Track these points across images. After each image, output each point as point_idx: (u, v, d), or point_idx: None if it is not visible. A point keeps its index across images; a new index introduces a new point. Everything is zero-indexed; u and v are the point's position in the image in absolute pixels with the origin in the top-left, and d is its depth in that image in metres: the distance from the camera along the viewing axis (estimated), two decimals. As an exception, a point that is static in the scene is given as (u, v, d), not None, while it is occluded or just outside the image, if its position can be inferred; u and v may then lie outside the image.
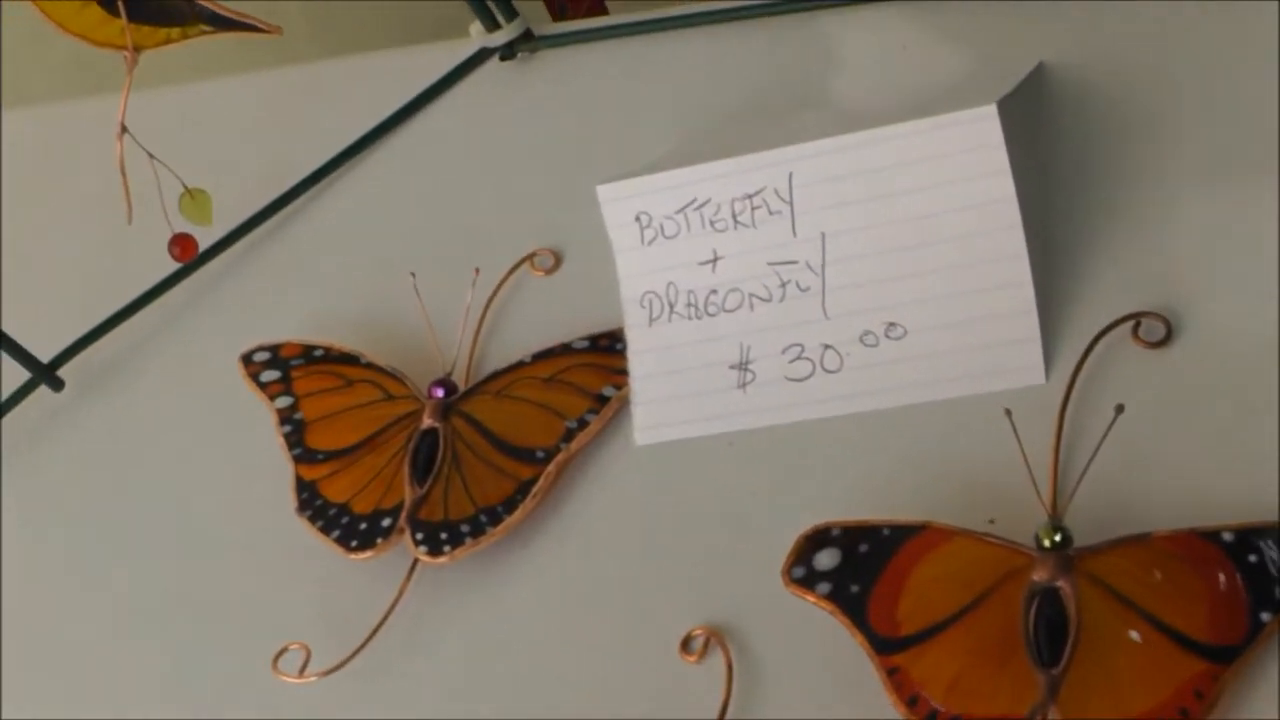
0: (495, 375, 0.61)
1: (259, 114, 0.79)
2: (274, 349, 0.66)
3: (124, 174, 0.63)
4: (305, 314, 0.70)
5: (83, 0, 0.63)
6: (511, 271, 0.65)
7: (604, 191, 0.60)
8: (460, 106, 0.74)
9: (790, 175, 0.56)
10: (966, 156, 0.53)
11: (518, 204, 0.69)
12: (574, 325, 0.62)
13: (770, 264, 0.57)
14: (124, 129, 0.64)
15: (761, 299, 0.57)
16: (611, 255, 0.60)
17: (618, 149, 0.67)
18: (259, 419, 0.64)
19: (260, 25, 0.64)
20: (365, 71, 0.79)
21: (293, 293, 0.72)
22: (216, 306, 0.73)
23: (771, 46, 0.67)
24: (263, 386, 0.64)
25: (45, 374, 0.73)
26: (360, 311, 0.68)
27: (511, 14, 0.72)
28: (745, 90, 0.66)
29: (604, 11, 1.03)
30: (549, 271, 0.65)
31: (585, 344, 0.61)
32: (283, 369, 0.65)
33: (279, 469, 0.62)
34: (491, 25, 0.73)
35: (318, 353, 0.65)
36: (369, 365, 0.64)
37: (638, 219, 0.59)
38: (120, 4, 0.63)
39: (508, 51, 0.73)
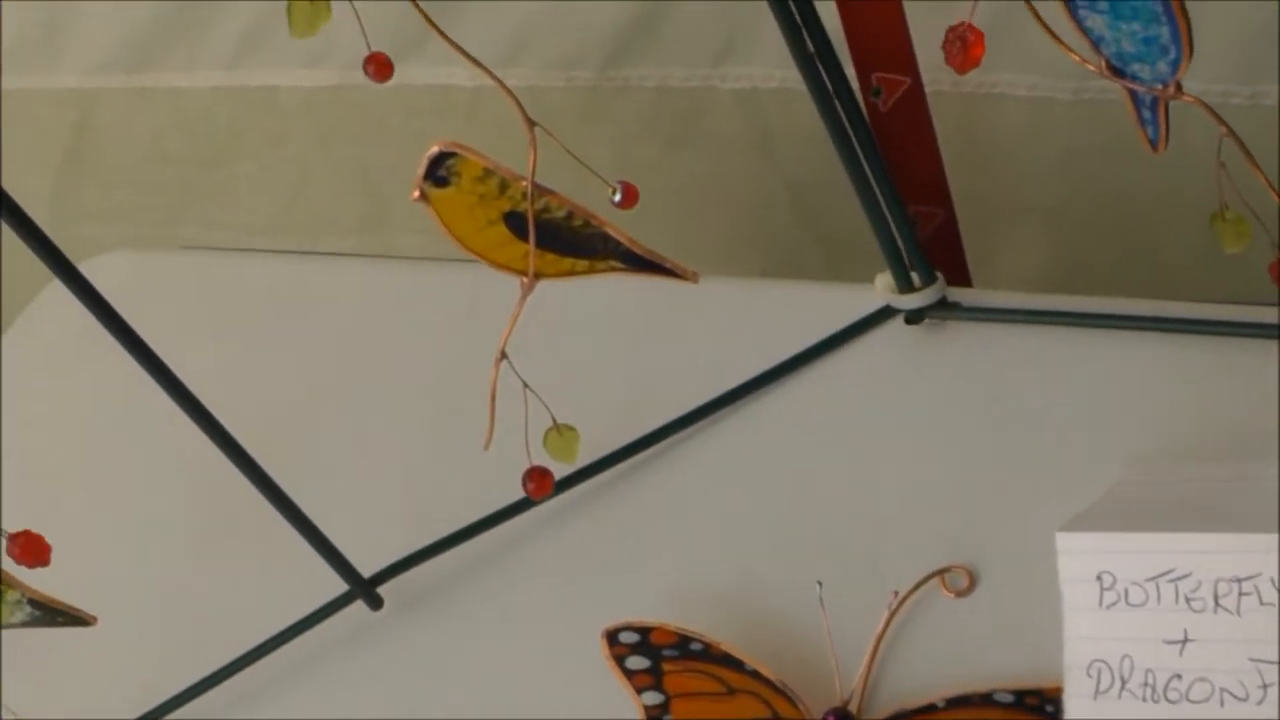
0: (903, 717, 0.55)
1: (626, 336, 0.74)
2: (644, 632, 0.60)
3: (493, 401, 0.59)
4: (664, 582, 0.64)
5: (490, 220, 0.58)
6: (918, 587, 0.59)
7: (1064, 540, 0.53)
8: (854, 365, 0.68)
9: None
10: None
11: (922, 498, 0.62)
12: (987, 663, 0.56)
13: (1252, 660, 0.50)
14: (503, 355, 0.59)
15: (1236, 697, 0.50)
16: (1042, 591, 0.54)
17: (1042, 453, 0.61)
18: (596, 680, 0.59)
19: (677, 270, 0.60)
20: (745, 300, 0.73)
21: (647, 550, 0.66)
22: (556, 546, 0.68)
23: (1262, 366, 0.59)
24: (629, 675, 0.59)
25: (365, 589, 0.68)
26: (729, 592, 0.62)
27: (929, 277, 0.66)
28: (1216, 418, 0.59)
29: (956, 236, 0.96)
30: (961, 593, 0.59)
31: (1010, 698, 0.54)
32: (653, 658, 0.59)
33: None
34: (905, 285, 0.66)
35: (695, 646, 0.59)
36: (755, 674, 0.57)
37: (1099, 578, 0.52)
38: (531, 230, 0.58)
39: (915, 316, 0.67)
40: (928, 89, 0.92)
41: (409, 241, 1.26)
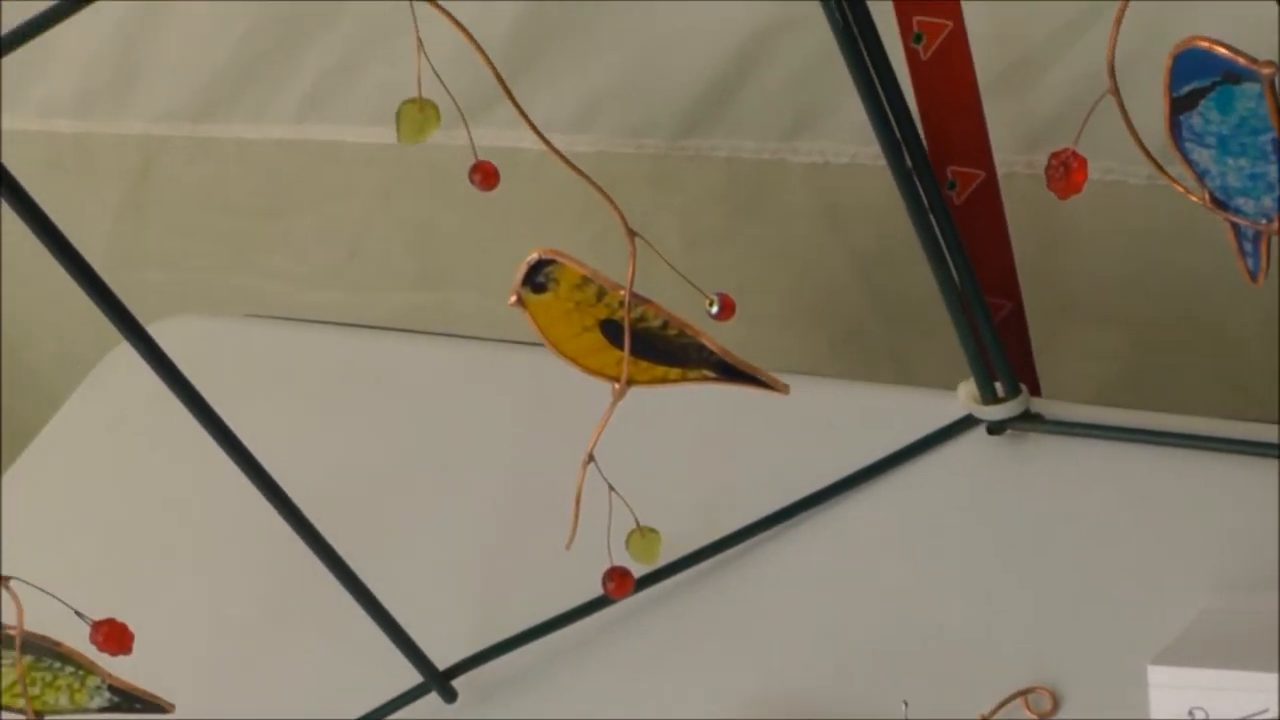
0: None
1: (705, 435, 0.74)
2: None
3: (578, 504, 0.59)
4: (740, 685, 0.64)
5: (585, 326, 0.59)
6: (1001, 706, 0.59)
7: (1156, 674, 0.53)
8: (934, 473, 0.68)
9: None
10: None
11: (1004, 613, 0.62)
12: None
13: (1347, 805, 0.50)
14: (591, 458, 0.59)
15: (1330, 843, 0.50)
16: (1127, 716, 0.54)
17: (1126, 573, 0.61)
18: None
19: (769, 382, 0.60)
20: (827, 402, 0.73)
21: (724, 652, 0.66)
22: (633, 643, 0.68)
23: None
24: (707, 782, 0.58)
25: (440, 682, 0.68)
26: (806, 699, 0.62)
27: (1013, 388, 0.66)
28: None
29: (1023, 327, 0.96)
30: (1044, 715, 0.58)
31: (1096, 829, 0.54)
32: (732, 766, 0.59)
33: None
34: (989, 396, 0.66)
35: (778, 758, 0.58)
36: (835, 790, 0.57)
37: (1191, 714, 0.52)
38: (626, 339, 0.58)
39: (998, 427, 0.67)
40: (1000, 169, 0.92)
41: (466, 298, 1.27)
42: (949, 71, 0.84)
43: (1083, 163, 0.55)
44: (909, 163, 0.58)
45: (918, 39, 0.83)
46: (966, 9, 0.83)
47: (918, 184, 0.59)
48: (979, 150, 0.87)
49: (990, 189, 0.88)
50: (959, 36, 0.83)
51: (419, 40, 0.54)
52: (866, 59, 0.55)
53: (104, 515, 0.83)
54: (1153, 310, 1.00)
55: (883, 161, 1.01)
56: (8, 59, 1.28)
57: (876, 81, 0.56)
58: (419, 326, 1.28)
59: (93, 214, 1.35)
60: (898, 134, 0.58)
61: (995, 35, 0.89)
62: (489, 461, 0.77)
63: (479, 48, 0.54)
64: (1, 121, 1.31)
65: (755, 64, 0.99)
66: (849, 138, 1.00)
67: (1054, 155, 0.55)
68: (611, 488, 0.58)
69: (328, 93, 1.17)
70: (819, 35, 0.96)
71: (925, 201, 0.60)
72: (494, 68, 0.56)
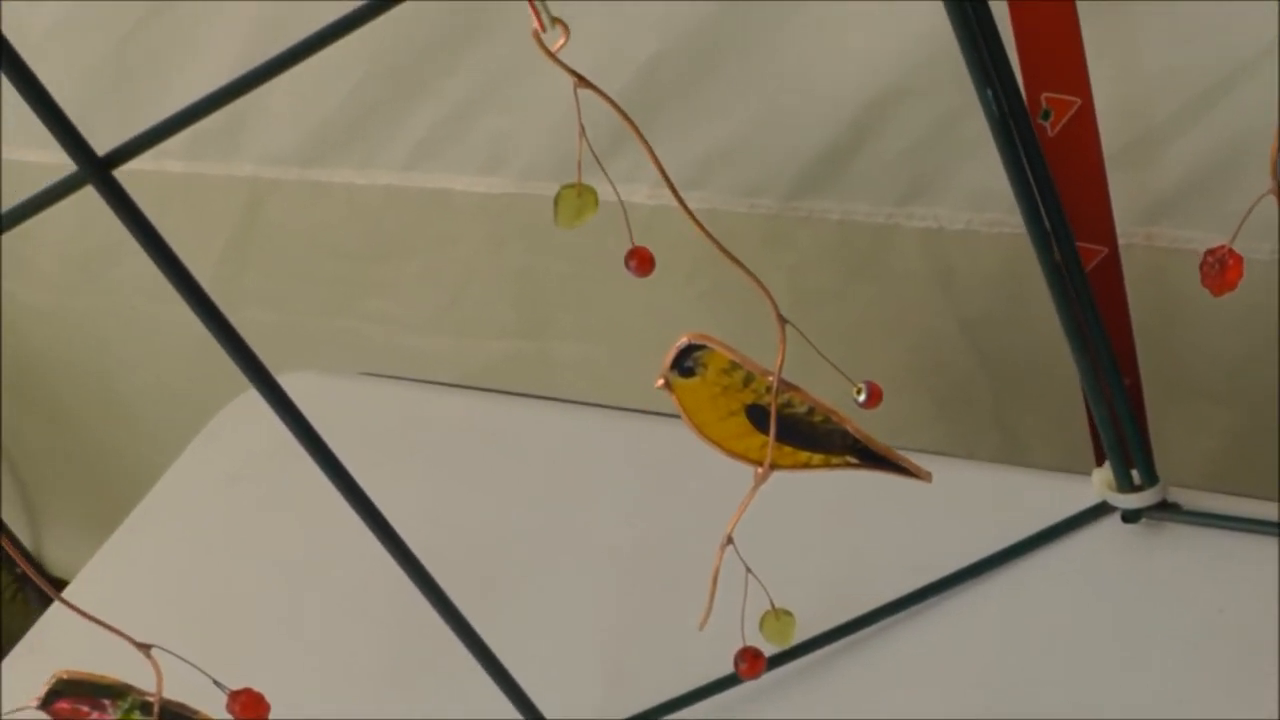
0: None
1: (837, 515, 0.74)
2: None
3: (714, 585, 0.59)
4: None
5: (731, 411, 0.59)
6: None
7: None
8: (1067, 560, 0.68)
9: None
10: None
11: (1137, 706, 0.62)
12: None
13: None
14: (729, 540, 0.60)
15: None
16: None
17: (1263, 669, 0.60)
18: None
19: (911, 470, 0.60)
20: (960, 485, 0.72)
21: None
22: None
23: None
24: None
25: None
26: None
27: (1151, 476, 0.65)
28: None
29: (1140, 404, 0.95)
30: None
31: None
32: None
33: None
34: (1125, 484, 0.66)
35: None
36: None
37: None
38: (772, 425, 0.58)
39: (1133, 515, 0.66)
40: (1120, 241, 0.92)
41: (567, 349, 1.27)
42: (1075, 147, 0.84)
43: (1239, 260, 0.55)
44: (1057, 255, 0.58)
45: (1045, 115, 0.82)
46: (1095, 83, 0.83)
47: (1064, 273, 0.59)
48: (1103, 226, 0.86)
49: (1113, 265, 0.88)
50: (1087, 113, 0.83)
51: (581, 125, 0.54)
52: (1021, 153, 0.55)
53: (224, 570, 0.84)
54: (1268, 388, 0.99)
55: (998, 229, 1.01)
56: (109, 100, 1.29)
57: (1030, 177, 0.56)
58: (518, 374, 1.29)
59: (198, 253, 1.36)
60: (1047, 225, 0.58)
61: (1120, 109, 0.89)
62: (615, 532, 0.77)
63: (621, 112, 0.53)
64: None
65: (872, 130, 0.99)
66: (964, 204, 1.00)
67: (1210, 253, 0.55)
68: (749, 570, 0.59)
69: (438, 141, 1.18)
70: (936, 104, 0.96)
71: (1071, 291, 0.60)
72: (635, 126, 0.56)
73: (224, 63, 1.22)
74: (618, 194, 0.56)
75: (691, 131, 1.05)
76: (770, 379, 0.56)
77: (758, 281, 0.55)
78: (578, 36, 0.52)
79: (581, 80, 0.51)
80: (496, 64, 1.09)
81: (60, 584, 0.72)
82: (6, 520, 1.86)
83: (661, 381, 0.58)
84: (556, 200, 0.54)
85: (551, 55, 0.50)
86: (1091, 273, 0.88)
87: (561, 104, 1.12)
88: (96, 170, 0.50)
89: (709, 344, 0.57)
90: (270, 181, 1.29)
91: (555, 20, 0.50)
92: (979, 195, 1.00)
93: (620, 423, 0.83)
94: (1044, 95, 0.82)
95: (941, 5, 0.86)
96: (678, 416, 0.57)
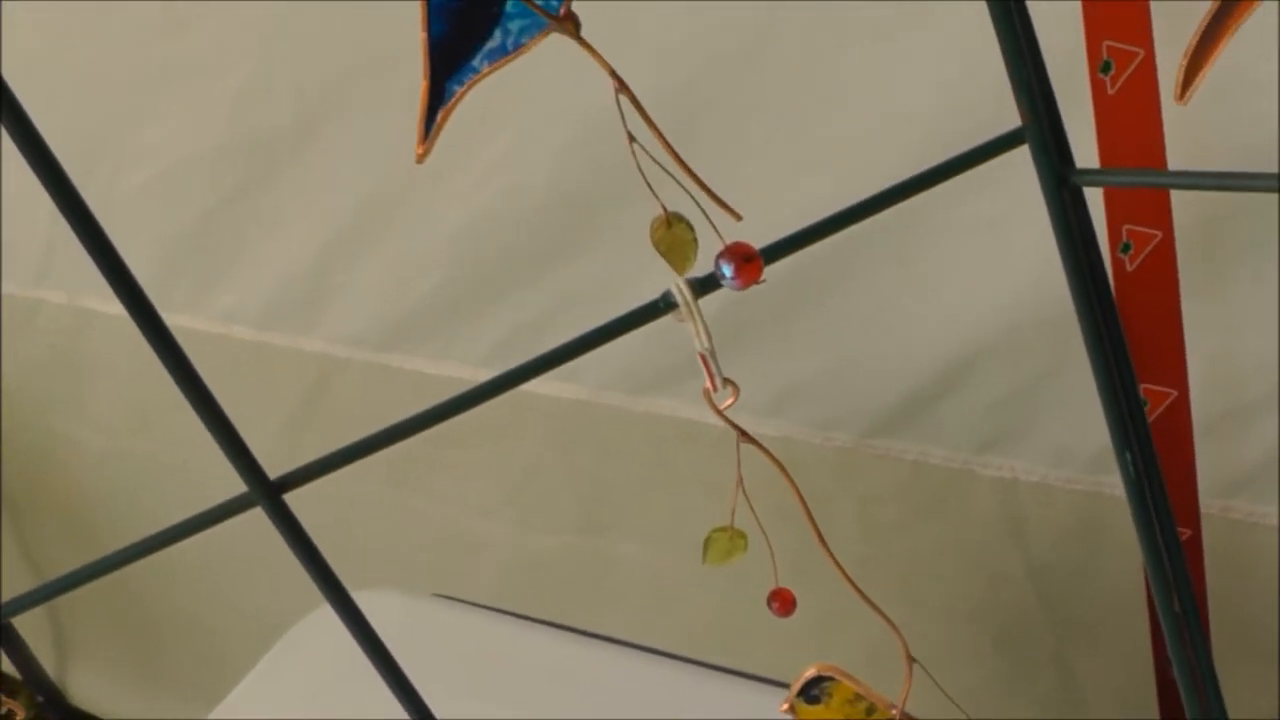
0: None
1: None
2: None
3: None
4: None
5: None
6: None
7: None
8: None
9: None
10: None
11: None
12: None
13: None
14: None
15: None
16: None
17: None
18: None
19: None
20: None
21: None
22: None
23: None
24: None
25: None
26: None
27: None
28: None
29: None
30: None
31: None
32: None
33: None
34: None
35: None
36: None
37: None
38: None
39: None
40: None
41: (626, 549, 1.28)
42: (1171, 438, 0.85)
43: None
44: (1177, 606, 0.59)
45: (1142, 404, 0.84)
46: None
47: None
48: (1189, 508, 0.88)
49: (1195, 545, 0.89)
50: (1182, 405, 0.85)
51: (740, 477, 0.55)
52: (1153, 514, 0.56)
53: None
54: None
55: (1072, 486, 1.02)
56: (197, 259, 1.31)
57: (1159, 539, 0.57)
58: (573, 570, 1.30)
59: (260, 423, 1.37)
60: (1168, 570, 0.59)
61: (1202, 393, 0.91)
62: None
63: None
64: (185, 322, 1.35)
65: (958, 381, 1.00)
66: (1041, 459, 1.01)
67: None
68: None
69: (517, 343, 1.19)
70: (1024, 363, 0.97)
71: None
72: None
73: (301, 250, 1.24)
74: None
75: (776, 361, 1.07)
76: (894, 711, 0.57)
77: (886, 618, 0.56)
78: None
79: (744, 435, 0.52)
80: (586, 281, 1.11)
81: (81, 714, 0.71)
82: (34, 647, 1.86)
83: (786, 706, 0.58)
84: (707, 543, 0.55)
85: (720, 413, 0.51)
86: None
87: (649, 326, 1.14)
88: (269, 495, 0.51)
89: (835, 675, 0.58)
90: (341, 360, 1.30)
91: (727, 381, 0.51)
92: (1057, 451, 1.01)
93: (694, 679, 0.84)
94: (1144, 386, 0.83)
95: (1035, 268, 0.88)
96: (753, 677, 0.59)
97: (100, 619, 1.81)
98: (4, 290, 1.51)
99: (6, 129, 0.43)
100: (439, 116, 0.43)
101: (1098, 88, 0.79)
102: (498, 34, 0.42)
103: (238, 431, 0.51)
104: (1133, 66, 0.78)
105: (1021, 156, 0.86)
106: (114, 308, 1.47)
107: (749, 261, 0.44)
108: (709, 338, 0.50)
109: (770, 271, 1.08)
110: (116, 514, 1.62)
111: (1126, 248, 0.82)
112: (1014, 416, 1.00)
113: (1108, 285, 0.53)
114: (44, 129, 0.44)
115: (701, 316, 0.50)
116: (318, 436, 1.37)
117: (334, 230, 1.22)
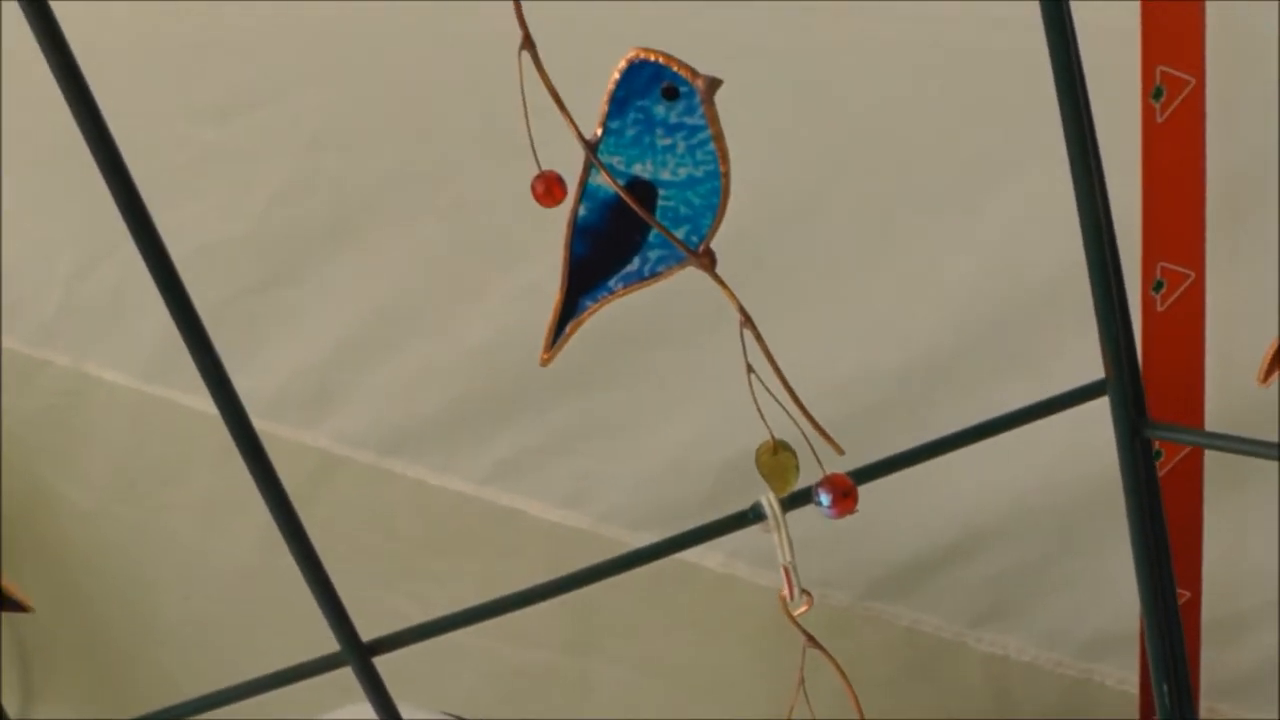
0: None
1: None
2: None
3: None
4: None
5: None
6: None
7: None
8: None
9: None
10: None
11: None
12: None
13: None
14: None
15: None
16: None
17: None
18: None
19: None
20: None
21: None
22: None
23: None
24: None
25: None
26: None
27: None
28: None
29: None
30: None
31: None
32: None
33: None
34: None
35: None
36: None
37: None
38: None
39: None
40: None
41: (609, 672, 1.28)
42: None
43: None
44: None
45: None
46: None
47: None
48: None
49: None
50: (1194, 607, 0.87)
51: (801, 677, 0.57)
52: None
53: None
54: None
55: (1062, 670, 1.04)
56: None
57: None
58: (552, 688, 1.31)
59: (251, 508, 1.37)
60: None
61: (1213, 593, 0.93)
62: None
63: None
64: (190, 402, 1.36)
65: (961, 554, 1.02)
66: (1034, 640, 1.03)
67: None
68: None
69: (522, 464, 1.21)
70: (1030, 547, 1.00)
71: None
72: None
73: (318, 346, 1.26)
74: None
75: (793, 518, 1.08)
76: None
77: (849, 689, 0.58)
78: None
79: (811, 641, 0.54)
80: (600, 412, 1.13)
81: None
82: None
83: None
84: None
85: (792, 619, 0.53)
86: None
87: (655, 459, 1.16)
88: (360, 656, 0.53)
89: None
90: (341, 458, 1.31)
91: (804, 591, 0.53)
92: (1050, 635, 1.03)
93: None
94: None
95: (1055, 455, 0.90)
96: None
97: (70, 662, 1.80)
98: (6, 344, 1.51)
99: (125, 220, 0.44)
100: (568, 329, 0.45)
101: (1147, 113, 0.80)
102: (636, 260, 0.44)
103: (337, 592, 0.52)
104: (1184, 94, 0.79)
105: (1060, 346, 0.89)
106: (117, 376, 1.48)
107: (847, 496, 0.46)
108: (793, 552, 0.52)
109: (787, 431, 1.10)
110: (101, 569, 1.62)
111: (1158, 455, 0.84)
112: (1013, 594, 1.02)
113: (1165, 532, 0.55)
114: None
115: (788, 532, 0.52)
116: (309, 525, 1.37)
117: (354, 330, 1.24)
